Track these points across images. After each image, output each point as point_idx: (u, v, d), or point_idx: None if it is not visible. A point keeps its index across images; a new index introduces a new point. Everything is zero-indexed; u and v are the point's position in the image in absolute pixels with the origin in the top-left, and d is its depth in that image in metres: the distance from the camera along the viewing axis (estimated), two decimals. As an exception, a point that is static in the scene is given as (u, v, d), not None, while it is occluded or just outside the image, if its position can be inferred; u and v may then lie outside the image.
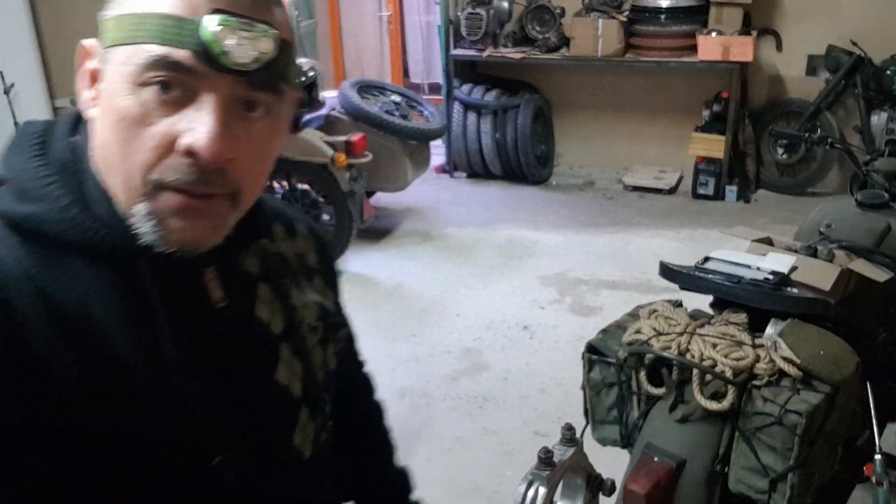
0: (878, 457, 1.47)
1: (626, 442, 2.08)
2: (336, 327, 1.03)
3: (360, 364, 1.24)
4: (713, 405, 1.84)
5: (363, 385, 1.25)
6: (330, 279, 1.07)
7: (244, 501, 0.83)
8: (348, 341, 1.12)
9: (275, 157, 0.85)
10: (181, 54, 0.74)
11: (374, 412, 1.26)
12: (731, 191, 6.01)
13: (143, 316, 0.78)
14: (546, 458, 0.79)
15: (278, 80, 0.80)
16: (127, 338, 0.76)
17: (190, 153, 0.74)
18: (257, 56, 0.75)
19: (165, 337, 0.78)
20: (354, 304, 4.32)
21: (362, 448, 1.16)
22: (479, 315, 4.40)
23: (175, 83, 0.75)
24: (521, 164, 6.36)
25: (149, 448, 0.76)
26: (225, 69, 0.74)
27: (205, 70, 0.74)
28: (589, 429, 2.15)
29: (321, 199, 4.88)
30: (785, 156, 6.06)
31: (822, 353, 1.88)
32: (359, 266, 5.08)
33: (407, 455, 3.17)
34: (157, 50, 0.74)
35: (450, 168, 6.76)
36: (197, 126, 0.74)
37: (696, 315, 2.15)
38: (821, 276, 2.13)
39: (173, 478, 0.78)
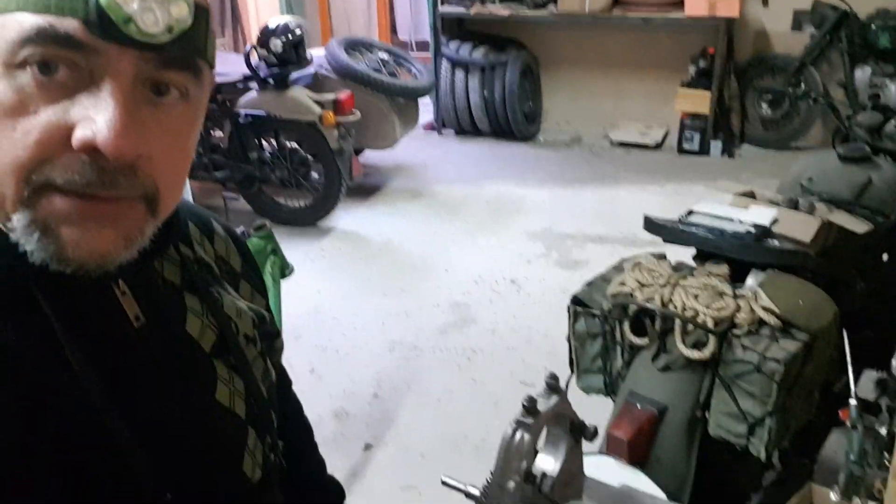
0: (853, 402, 1.53)
1: (609, 390, 2.15)
2: (272, 336, 0.91)
3: (289, 381, 1.12)
4: (694, 354, 1.90)
5: (293, 402, 1.13)
6: (256, 284, 0.93)
7: None
8: (280, 354, 0.98)
9: (193, 152, 0.71)
10: (68, 25, 0.58)
11: (304, 431, 1.15)
12: (716, 146, 6.05)
13: (49, 354, 0.64)
14: (530, 407, 0.82)
15: (195, 55, 0.64)
16: (37, 383, 0.63)
17: (89, 149, 0.59)
18: (170, 24, 0.60)
19: (82, 374, 0.65)
20: (345, 261, 4.38)
21: (295, 468, 1.00)
22: (467, 270, 4.45)
23: (61, 62, 0.59)
24: (509, 120, 6.36)
25: (84, 499, 0.65)
26: (129, 42, 0.59)
27: (101, 45, 0.59)
28: (574, 378, 2.22)
29: (310, 158, 4.88)
30: (769, 111, 6.10)
31: (800, 302, 1.94)
32: (349, 223, 5.10)
33: (397, 406, 3.27)
34: (32, 20, 0.57)
35: (438, 125, 6.75)
36: (96, 115, 0.58)
37: (679, 267, 2.20)
38: (801, 228, 2.18)
39: None
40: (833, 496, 1.38)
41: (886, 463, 1.40)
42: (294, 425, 1.10)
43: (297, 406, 1.13)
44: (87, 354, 0.65)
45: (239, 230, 2.78)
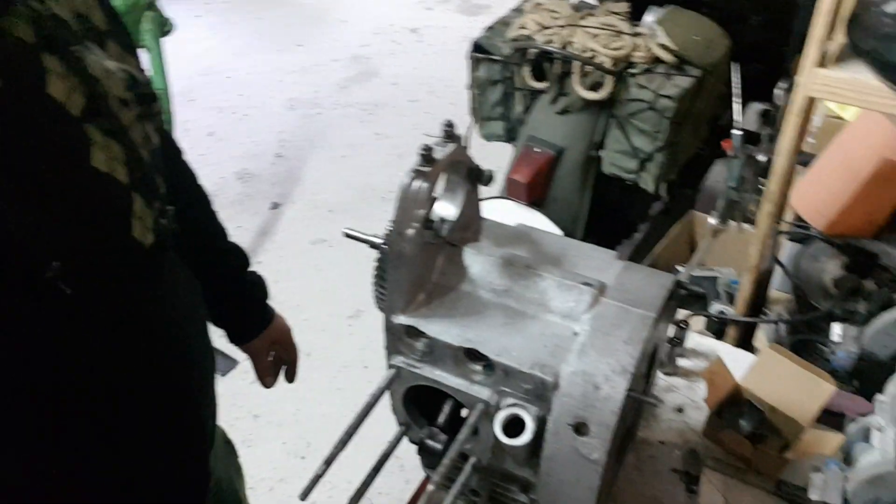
0: (736, 132, 1.59)
1: (510, 137, 2.19)
2: (149, 98, 0.83)
3: (177, 150, 1.05)
4: (592, 95, 1.93)
5: (185, 171, 1.07)
6: (125, 42, 0.84)
7: (91, 312, 0.72)
8: (162, 118, 0.90)
9: None
10: None
11: (200, 200, 1.10)
12: None
13: None
14: (426, 155, 0.82)
15: None
16: None
17: None
18: None
19: None
20: (234, 15, 4.08)
21: (193, 235, 0.96)
22: (365, 20, 4.26)
23: None
24: None
25: None
26: None
27: None
28: (475, 126, 2.23)
29: None
30: None
31: (696, 37, 1.96)
32: (232, -28, 4.72)
33: (301, 164, 3.26)
34: None
35: None
36: None
37: (579, 6, 2.15)
38: (700, -39, 2.14)
39: (2, 305, 0.65)
40: (711, 221, 1.48)
41: (761, 188, 1.51)
42: (189, 194, 1.07)
43: (189, 175, 1.09)
44: None
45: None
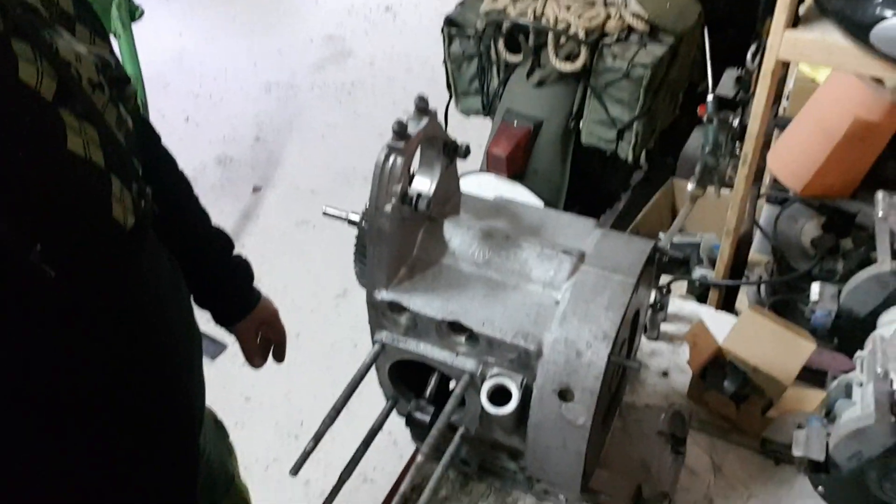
0: (710, 97, 1.60)
1: (488, 110, 2.18)
2: (121, 82, 0.82)
3: (156, 136, 1.05)
4: (567, 66, 1.93)
5: (165, 157, 1.07)
6: (95, 27, 0.83)
7: (74, 293, 0.72)
8: (137, 102, 0.89)
9: None
10: None
11: (181, 186, 1.10)
12: None
13: None
14: (400, 131, 0.81)
15: None
16: None
17: None
18: None
19: None
20: (205, -1, 3.95)
21: (175, 221, 0.96)
22: (337, 0, 4.22)
23: None
24: None
25: None
26: None
27: None
28: (453, 102, 2.23)
29: None
30: None
31: (668, 5, 1.96)
32: (201, -45, 4.66)
33: (282, 147, 3.24)
34: None
35: None
36: None
37: (551, -22, 2.15)
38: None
39: None
40: (690, 186, 1.50)
41: (737, 152, 1.52)
42: (169, 180, 1.07)
43: (169, 161, 1.08)
44: None
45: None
